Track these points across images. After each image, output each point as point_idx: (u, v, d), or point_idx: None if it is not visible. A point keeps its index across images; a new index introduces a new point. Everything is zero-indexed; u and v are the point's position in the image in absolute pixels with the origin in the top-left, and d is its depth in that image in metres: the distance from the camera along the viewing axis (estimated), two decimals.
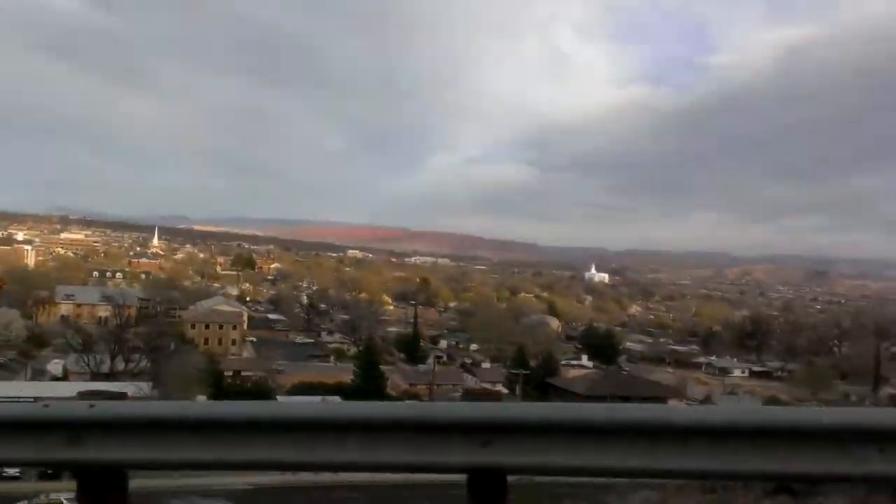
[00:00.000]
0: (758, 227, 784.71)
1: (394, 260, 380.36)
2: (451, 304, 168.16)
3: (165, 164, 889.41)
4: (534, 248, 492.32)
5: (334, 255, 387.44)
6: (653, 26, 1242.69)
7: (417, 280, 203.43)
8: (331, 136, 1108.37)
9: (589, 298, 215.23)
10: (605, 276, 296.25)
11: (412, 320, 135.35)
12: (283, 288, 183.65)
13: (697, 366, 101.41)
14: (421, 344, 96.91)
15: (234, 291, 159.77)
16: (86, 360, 62.88)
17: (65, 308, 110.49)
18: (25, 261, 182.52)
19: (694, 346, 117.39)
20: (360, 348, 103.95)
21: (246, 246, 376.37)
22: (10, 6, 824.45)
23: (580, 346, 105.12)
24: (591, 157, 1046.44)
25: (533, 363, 75.04)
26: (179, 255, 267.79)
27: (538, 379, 63.97)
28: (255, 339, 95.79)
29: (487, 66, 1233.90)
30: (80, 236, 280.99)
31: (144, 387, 52.60)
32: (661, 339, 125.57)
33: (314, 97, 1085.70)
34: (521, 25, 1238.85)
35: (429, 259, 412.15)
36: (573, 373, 72.80)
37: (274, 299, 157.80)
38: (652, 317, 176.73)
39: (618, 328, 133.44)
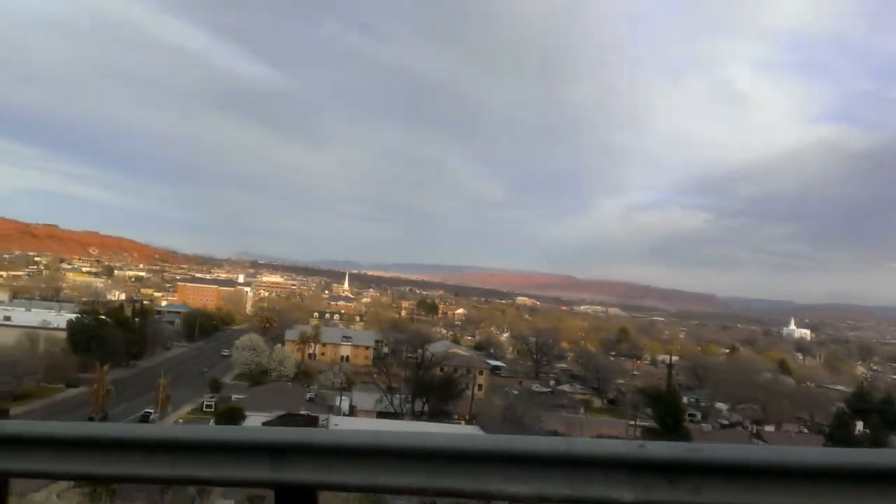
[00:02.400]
0: None
1: (564, 308, 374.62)
2: (661, 358, 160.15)
3: (333, 212, 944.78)
4: (712, 299, 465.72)
5: (502, 301, 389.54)
6: (837, 61, 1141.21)
7: (615, 331, 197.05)
8: (491, 182, 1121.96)
9: (800, 356, 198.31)
10: (808, 332, 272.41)
11: (635, 372, 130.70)
12: (480, 334, 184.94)
13: None
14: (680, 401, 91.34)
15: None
16: (389, 398, 64.61)
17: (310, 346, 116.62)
18: (245, 301, 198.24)
19: None
20: (607, 400, 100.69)
21: (418, 291, 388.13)
22: (204, 72, 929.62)
23: (848, 411, 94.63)
24: (773, 202, 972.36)
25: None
26: (366, 299, 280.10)
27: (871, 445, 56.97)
28: (516, 390, 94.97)
29: (655, 106, 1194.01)
30: (279, 279, 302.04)
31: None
32: None
33: (474, 144, 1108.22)
34: (691, 63, 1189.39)
35: (599, 308, 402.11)
36: None
37: (480, 345, 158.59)
38: (891, 379, 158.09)
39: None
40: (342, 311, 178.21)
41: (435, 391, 67.90)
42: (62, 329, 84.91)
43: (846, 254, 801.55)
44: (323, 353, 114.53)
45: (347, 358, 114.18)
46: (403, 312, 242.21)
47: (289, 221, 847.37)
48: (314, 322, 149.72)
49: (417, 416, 64.42)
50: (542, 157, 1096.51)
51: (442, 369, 78.73)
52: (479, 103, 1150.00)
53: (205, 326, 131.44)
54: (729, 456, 3.08)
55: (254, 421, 52.70)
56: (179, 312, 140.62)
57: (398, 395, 65.32)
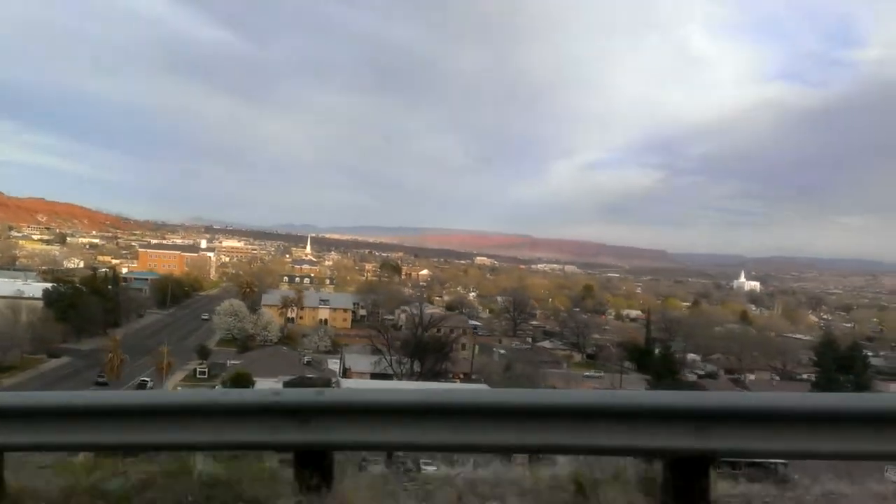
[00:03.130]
0: None
1: (522, 267, 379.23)
2: (625, 313, 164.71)
3: (290, 177, 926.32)
4: (663, 255, 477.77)
5: (461, 261, 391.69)
6: (788, 21, 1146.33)
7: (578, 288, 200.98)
8: (452, 146, 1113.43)
9: (753, 307, 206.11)
10: (757, 285, 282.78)
11: (606, 327, 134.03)
12: (448, 294, 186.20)
13: None
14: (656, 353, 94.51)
15: None
16: (389, 360, 65.09)
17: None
18: (209, 267, 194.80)
19: None
20: (586, 355, 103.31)
21: (377, 253, 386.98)
22: (159, 36, 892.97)
23: (816, 360, 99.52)
24: (722, 160, 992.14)
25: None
26: (328, 262, 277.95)
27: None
28: (503, 349, 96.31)
29: (609, 68, 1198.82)
30: (239, 244, 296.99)
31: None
32: (882, 353, 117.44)
33: (436, 109, 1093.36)
34: (644, 25, 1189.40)
35: (556, 266, 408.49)
36: None
37: (451, 305, 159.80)
38: (847, 326, 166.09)
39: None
40: (312, 275, 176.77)
41: (430, 351, 68.65)
42: (37, 298, 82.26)
43: (793, 209, 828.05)
44: (301, 317, 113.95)
45: (326, 321, 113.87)
46: (368, 275, 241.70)
47: (244, 187, 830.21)
48: (285, 286, 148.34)
49: (416, 376, 65.17)
50: (503, 121, 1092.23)
51: (433, 330, 79.30)
52: (442, 69, 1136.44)
53: (174, 293, 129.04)
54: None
55: (264, 386, 52.51)
56: (147, 279, 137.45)
57: (393, 357, 65.82)
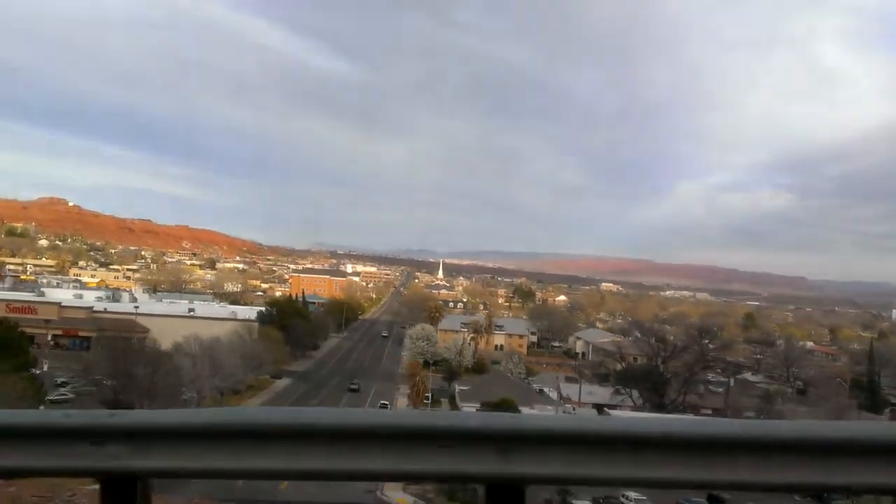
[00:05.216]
0: None
1: (651, 294, 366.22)
2: (801, 345, 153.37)
3: (407, 202, 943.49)
4: (802, 282, 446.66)
5: (586, 287, 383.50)
6: None
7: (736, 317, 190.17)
8: (568, 168, 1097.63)
9: None
10: None
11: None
12: (597, 321, 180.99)
13: None
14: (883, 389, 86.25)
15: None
16: (625, 391, 61.92)
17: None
18: (357, 290, 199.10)
19: None
20: (795, 390, 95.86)
21: (499, 279, 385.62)
22: (283, 67, 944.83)
23: None
24: (863, 180, 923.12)
25: None
26: (459, 287, 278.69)
27: None
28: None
29: (735, 86, 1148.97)
30: (373, 270, 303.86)
31: None
32: None
33: (552, 131, 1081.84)
34: (772, 40, 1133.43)
35: (686, 293, 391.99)
36: None
37: (611, 331, 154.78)
38: None
39: None
40: (465, 300, 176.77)
41: (667, 383, 64.95)
42: (251, 320, 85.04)
43: None
44: (478, 343, 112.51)
45: (502, 346, 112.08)
46: (500, 299, 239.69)
47: (361, 211, 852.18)
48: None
49: (657, 409, 61.56)
50: (620, 142, 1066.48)
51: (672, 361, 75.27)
52: (559, 91, 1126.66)
53: (347, 317, 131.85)
54: None
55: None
56: (314, 303, 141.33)
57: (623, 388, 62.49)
